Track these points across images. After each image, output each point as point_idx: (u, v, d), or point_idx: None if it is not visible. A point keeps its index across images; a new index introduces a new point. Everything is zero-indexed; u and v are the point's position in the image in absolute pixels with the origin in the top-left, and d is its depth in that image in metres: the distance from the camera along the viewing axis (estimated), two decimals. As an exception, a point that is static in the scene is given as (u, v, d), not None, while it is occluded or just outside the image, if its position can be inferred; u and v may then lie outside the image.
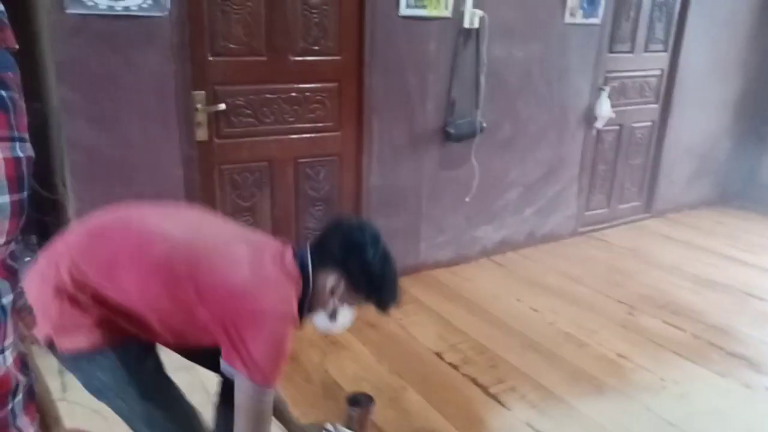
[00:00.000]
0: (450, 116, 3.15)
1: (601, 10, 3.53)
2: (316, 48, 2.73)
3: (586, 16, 3.49)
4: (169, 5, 2.28)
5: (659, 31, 3.98)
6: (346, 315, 1.48)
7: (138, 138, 2.38)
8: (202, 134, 2.55)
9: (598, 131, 3.92)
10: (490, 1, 3.10)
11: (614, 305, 3.06)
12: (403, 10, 2.84)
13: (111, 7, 2.18)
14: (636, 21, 3.84)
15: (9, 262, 0.62)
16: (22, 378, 0.65)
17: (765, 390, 2.35)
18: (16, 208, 0.60)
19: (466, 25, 3.01)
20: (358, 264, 1.39)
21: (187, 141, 2.49)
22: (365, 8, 2.74)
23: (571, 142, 3.77)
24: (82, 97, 2.23)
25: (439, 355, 2.56)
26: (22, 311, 0.71)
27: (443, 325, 2.81)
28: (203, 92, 2.51)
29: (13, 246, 0.62)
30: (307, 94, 2.78)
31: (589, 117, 3.78)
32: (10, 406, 0.63)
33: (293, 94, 2.75)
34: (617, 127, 4.04)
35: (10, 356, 0.62)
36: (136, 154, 2.40)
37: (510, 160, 3.52)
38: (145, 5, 2.23)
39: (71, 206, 2.35)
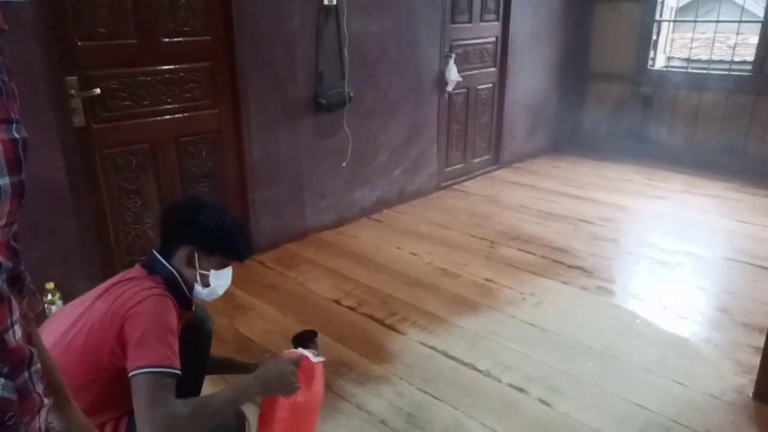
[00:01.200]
0: (320, 88, 3.40)
1: (441, -15, 3.96)
2: (186, 29, 2.82)
3: (428, -9, 3.89)
4: (30, -10, 2.25)
5: (491, 3, 4.53)
6: (217, 278, 1.60)
7: (12, 127, 2.34)
8: (79, 120, 2.55)
9: (449, 95, 4.40)
10: (344, -20, 3.37)
11: (478, 242, 3.55)
12: (266, -10, 3.01)
13: (-32, -6, 2.11)
14: (471, -6, 4.34)
15: (12, 243, 0.64)
16: (34, 349, 0.66)
17: (596, 289, 2.95)
18: (17, 189, 0.59)
19: (326, 2, 3.26)
20: (196, 231, 1.55)
21: (63, 127, 2.48)
22: (230, -12, 2.87)
23: (427, 107, 4.20)
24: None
25: (337, 301, 2.85)
26: (25, 292, 0.71)
27: (336, 277, 3.10)
28: (75, 78, 2.51)
29: (15, 227, 0.64)
30: (182, 74, 2.86)
31: (441, 82, 4.23)
32: (27, 374, 0.65)
33: (167, 75, 2.82)
34: (465, 90, 4.55)
35: (19, 329, 0.64)
36: (11, 145, 2.35)
37: (376, 126, 3.86)
38: (5, -9, 2.19)
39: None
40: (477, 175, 4.87)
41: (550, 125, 5.58)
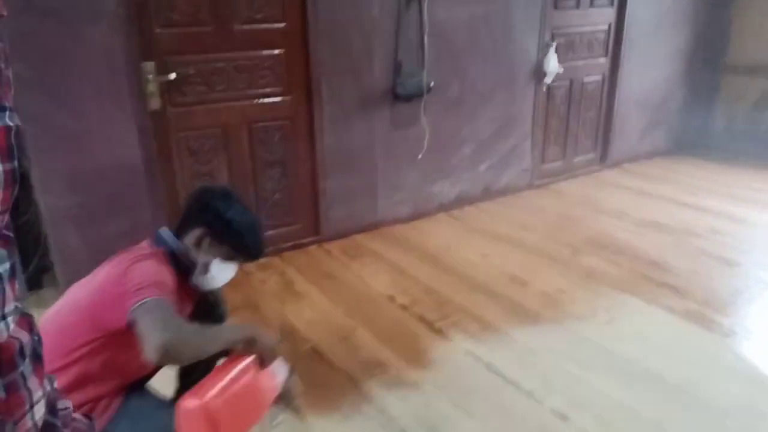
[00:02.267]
0: (398, 77, 3.29)
1: (542, -32, 3.66)
2: (260, 16, 2.86)
3: (527, -26, 3.61)
4: (111, -20, 2.40)
5: (603, -13, 4.12)
6: (220, 268, 1.61)
7: (92, 109, 2.52)
8: (155, 103, 2.69)
9: (548, 87, 4.08)
10: (431, -36, 3.23)
11: (559, 248, 3.26)
12: (344, -24, 2.96)
13: (55, -16, 2.29)
14: (579, -23, 3.97)
15: (5, 231, 0.63)
16: (26, 341, 0.65)
17: (685, 312, 2.56)
18: (9, 177, 0.59)
19: (407, -12, 3.14)
20: (214, 217, 1.57)
21: (140, 110, 2.63)
22: (306, -25, 2.87)
23: (521, 99, 3.93)
24: (34, 71, 2.36)
25: (391, 298, 2.75)
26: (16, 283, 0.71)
27: (397, 273, 3.00)
28: (153, 63, 2.64)
29: (7, 217, 0.63)
30: (256, 61, 2.91)
31: (538, 73, 3.93)
32: (20, 369, 0.63)
33: (241, 62, 2.88)
34: (567, 82, 4.20)
35: (12, 322, 0.62)
36: (91, 125, 2.54)
37: (461, 117, 3.68)
38: (88, -19, 2.35)
39: (34, 176, 2.49)
40: (578, 175, 4.49)
41: (673, 123, 4.99)
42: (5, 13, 0.65)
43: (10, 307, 0.61)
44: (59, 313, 1.45)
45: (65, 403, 0.77)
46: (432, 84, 3.38)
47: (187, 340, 1.33)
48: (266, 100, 3.00)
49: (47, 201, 2.53)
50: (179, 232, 1.61)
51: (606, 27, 4.27)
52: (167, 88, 2.72)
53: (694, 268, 2.98)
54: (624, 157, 4.74)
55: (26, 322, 0.65)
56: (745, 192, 4.05)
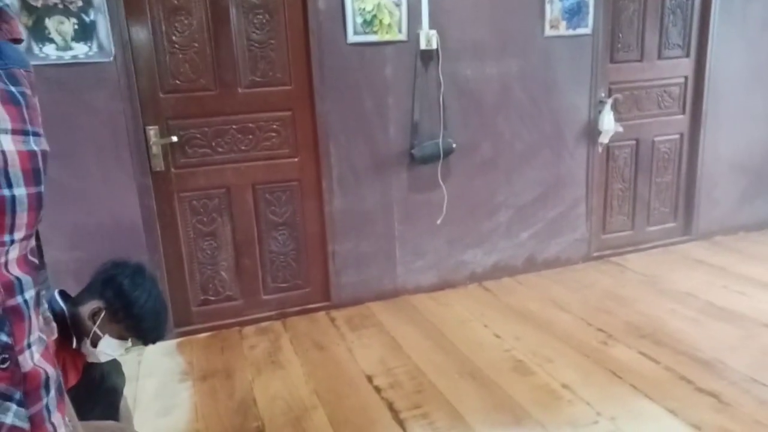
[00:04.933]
0: (415, 138, 3.13)
1: (590, 20, 3.33)
2: (265, 80, 2.88)
3: (571, 27, 3.31)
4: (113, 51, 2.56)
5: (675, 36, 3.64)
6: (108, 345, 1.55)
7: (95, 170, 2.67)
8: (158, 164, 2.79)
9: (608, 147, 3.64)
10: (455, 22, 3.08)
11: (591, 333, 2.78)
12: (351, 38, 2.91)
13: (60, 57, 2.50)
14: (641, 27, 3.55)
15: (30, 257, 0.62)
16: (52, 373, 0.63)
17: (717, 430, 2.00)
18: (33, 200, 0.59)
19: (423, 46, 3.01)
20: (115, 294, 1.52)
21: (142, 171, 2.74)
22: (310, 40, 2.86)
23: (570, 161, 3.54)
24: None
25: (369, 378, 2.51)
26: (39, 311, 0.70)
27: (391, 349, 2.75)
28: (156, 126, 2.76)
29: (33, 242, 0.63)
30: (261, 123, 2.93)
31: (592, 132, 3.53)
32: (44, 402, 0.61)
33: (247, 123, 2.91)
34: (633, 142, 3.72)
35: (36, 352, 0.61)
36: (94, 185, 2.69)
37: (494, 180, 3.38)
38: (91, 53, 2.54)
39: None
40: (654, 247, 3.90)
41: (784, 190, 4.19)
42: (22, 37, 0.65)
43: (34, 336, 0.61)
44: None
45: None
46: (454, 145, 3.16)
47: None
48: (272, 161, 2.99)
49: (49, 254, 2.69)
50: (78, 299, 1.59)
51: (681, 80, 3.75)
52: (170, 149, 2.81)
53: (755, 373, 2.36)
54: (716, 229, 4.04)
55: (50, 355, 0.65)
56: None
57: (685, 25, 3.65)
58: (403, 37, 3.00)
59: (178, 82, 2.76)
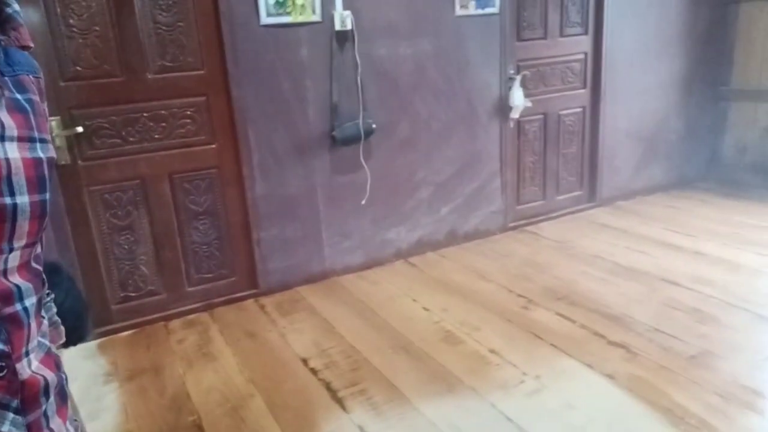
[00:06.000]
0: (335, 120, 3.13)
1: (497, 0, 3.45)
2: (176, 64, 2.76)
3: (480, 6, 3.41)
4: (3, 36, 2.35)
5: (574, 14, 3.85)
6: None
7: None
8: (63, 157, 2.62)
9: (519, 122, 3.81)
10: (369, 2, 3.08)
11: (512, 300, 2.94)
12: (264, 19, 2.85)
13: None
14: (544, 6, 3.72)
15: (33, 264, 0.62)
16: (51, 378, 0.63)
17: (628, 379, 2.20)
18: (36, 208, 0.58)
19: (338, 27, 3.00)
20: None
21: (46, 165, 2.55)
22: (221, 22, 2.77)
23: (484, 137, 3.68)
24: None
25: (305, 361, 2.52)
26: (50, 325, 0.70)
27: (324, 331, 2.77)
28: (58, 117, 2.58)
29: (38, 249, 0.62)
30: (174, 109, 2.81)
31: (503, 109, 3.68)
32: (43, 408, 0.61)
33: (160, 111, 2.78)
34: (541, 116, 3.92)
35: (35, 359, 0.61)
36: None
37: (414, 159, 3.46)
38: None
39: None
40: (563, 214, 4.15)
41: (673, 156, 4.58)
42: (31, 45, 0.65)
43: (33, 343, 0.60)
44: None
45: None
46: (374, 126, 3.19)
47: None
48: (189, 149, 2.89)
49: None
50: None
51: (582, 56, 3.98)
52: (76, 141, 2.65)
53: (659, 324, 2.60)
54: (617, 194, 4.36)
55: (52, 360, 0.64)
56: (751, 233, 3.60)
57: (583, 3, 3.86)
58: (317, 18, 2.97)
59: (79, 68, 2.59)
